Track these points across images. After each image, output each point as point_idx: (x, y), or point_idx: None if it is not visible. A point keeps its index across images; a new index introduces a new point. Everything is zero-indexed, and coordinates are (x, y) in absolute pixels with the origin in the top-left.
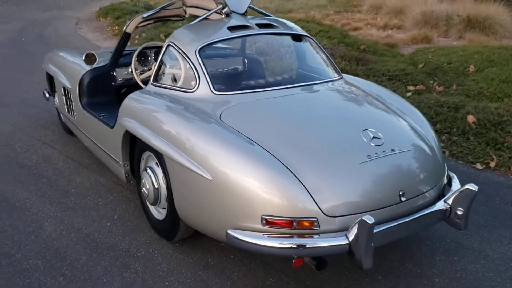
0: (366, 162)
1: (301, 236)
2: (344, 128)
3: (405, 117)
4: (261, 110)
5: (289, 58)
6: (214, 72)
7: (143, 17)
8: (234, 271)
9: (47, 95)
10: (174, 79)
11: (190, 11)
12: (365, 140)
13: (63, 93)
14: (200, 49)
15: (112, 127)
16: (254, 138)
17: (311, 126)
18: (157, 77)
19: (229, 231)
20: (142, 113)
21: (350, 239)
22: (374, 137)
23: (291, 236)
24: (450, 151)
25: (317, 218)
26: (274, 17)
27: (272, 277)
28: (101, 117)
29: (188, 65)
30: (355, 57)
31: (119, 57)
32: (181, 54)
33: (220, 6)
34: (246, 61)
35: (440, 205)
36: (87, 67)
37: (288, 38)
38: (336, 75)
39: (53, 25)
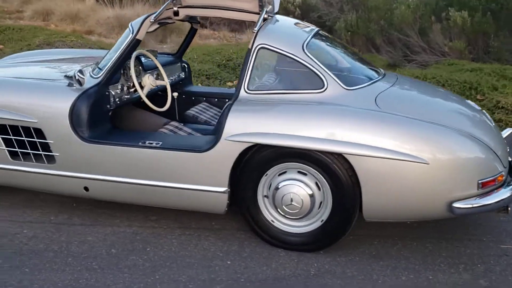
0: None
1: (499, 188)
2: (457, 107)
3: None
4: (396, 98)
5: (349, 57)
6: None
7: (151, 21)
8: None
9: None
10: (280, 82)
11: (185, 12)
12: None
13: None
14: (305, 47)
15: (205, 150)
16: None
17: (439, 108)
18: (250, 84)
19: (455, 204)
20: (273, 122)
21: None
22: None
23: (498, 189)
24: None
25: (503, 172)
26: None
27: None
28: (156, 145)
29: (300, 66)
30: None
31: (118, 71)
32: (285, 56)
33: (270, 6)
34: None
35: None
36: (77, 91)
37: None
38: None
39: None
